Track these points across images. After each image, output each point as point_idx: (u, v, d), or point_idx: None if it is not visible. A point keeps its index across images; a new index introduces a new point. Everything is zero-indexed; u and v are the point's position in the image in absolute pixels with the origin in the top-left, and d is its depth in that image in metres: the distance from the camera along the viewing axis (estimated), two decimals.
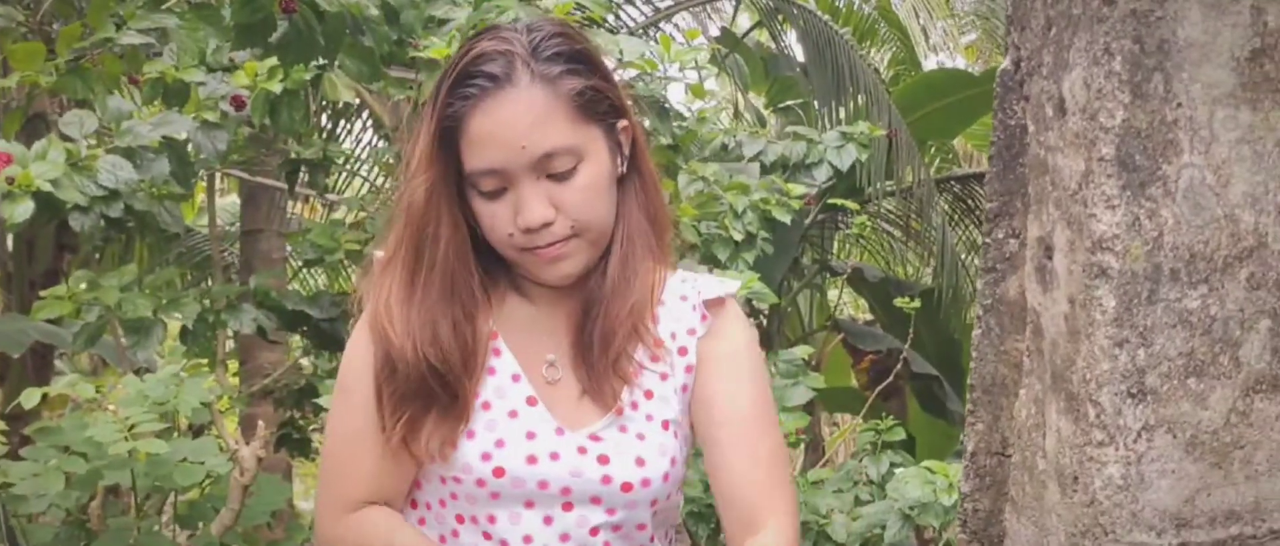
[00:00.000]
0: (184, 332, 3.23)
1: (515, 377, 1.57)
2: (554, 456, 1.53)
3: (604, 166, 1.50)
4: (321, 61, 2.89)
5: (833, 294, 8.37)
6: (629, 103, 1.57)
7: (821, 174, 3.88)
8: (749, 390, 1.58)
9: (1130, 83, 1.16)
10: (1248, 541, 1.24)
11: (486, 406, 1.55)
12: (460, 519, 1.57)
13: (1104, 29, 1.17)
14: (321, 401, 2.80)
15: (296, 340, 4.48)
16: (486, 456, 1.52)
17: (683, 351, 1.59)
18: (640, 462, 1.53)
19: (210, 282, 4.34)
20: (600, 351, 1.55)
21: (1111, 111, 1.16)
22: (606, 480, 1.52)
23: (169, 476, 2.86)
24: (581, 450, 1.53)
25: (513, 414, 1.55)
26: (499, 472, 1.52)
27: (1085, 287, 1.20)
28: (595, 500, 1.53)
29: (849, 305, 10.36)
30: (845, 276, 6.70)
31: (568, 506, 1.53)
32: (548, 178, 1.47)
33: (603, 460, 1.53)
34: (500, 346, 1.58)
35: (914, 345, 5.83)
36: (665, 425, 1.57)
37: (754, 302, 3.40)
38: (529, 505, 1.53)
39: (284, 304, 3.41)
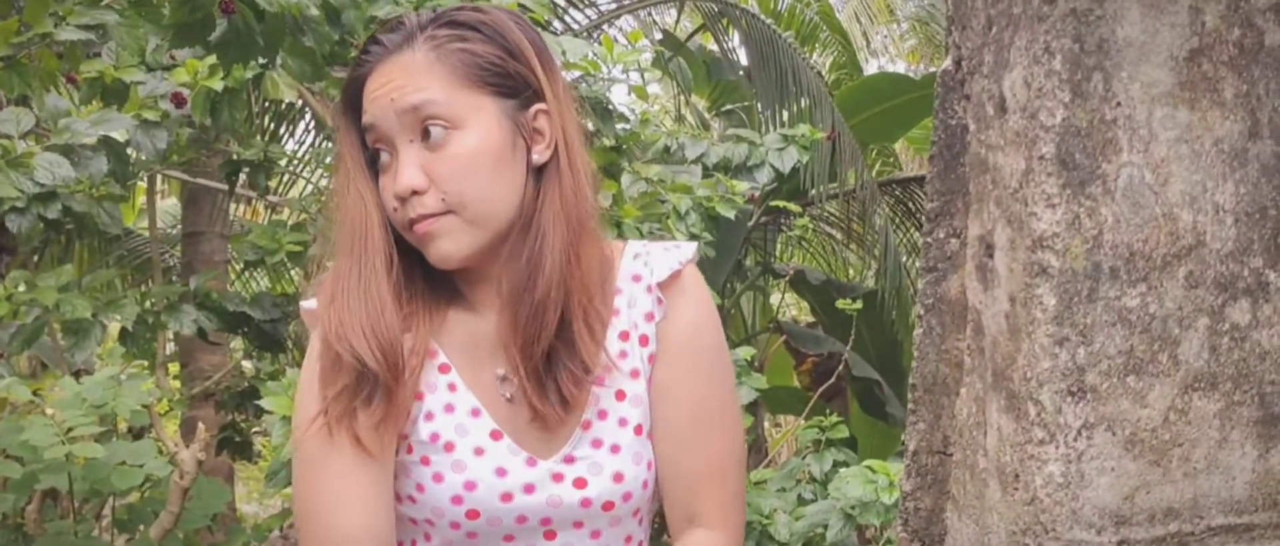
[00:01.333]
0: (123, 334, 3.19)
1: (474, 412, 1.47)
2: (528, 489, 1.45)
3: (488, 140, 1.41)
4: (262, 61, 2.87)
5: (776, 296, 8.41)
6: (557, 92, 1.48)
7: (763, 176, 3.89)
8: (706, 380, 1.50)
9: (1070, 81, 1.17)
10: (1186, 539, 1.26)
11: (450, 447, 1.46)
12: None
13: (1044, 28, 1.18)
14: (263, 403, 2.77)
15: (239, 343, 4.43)
16: (458, 499, 1.44)
17: (645, 341, 1.50)
18: (618, 478, 1.47)
19: (150, 284, 4.30)
20: (532, 357, 1.44)
21: (1052, 110, 1.18)
22: (586, 503, 1.46)
23: (107, 480, 2.83)
24: (557, 477, 1.46)
25: (479, 451, 1.46)
26: (473, 514, 1.44)
27: (1026, 286, 1.21)
28: (577, 524, 1.47)
29: (792, 307, 10.41)
30: (788, 279, 6.72)
31: (550, 535, 1.47)
32: (423, 145, 1.39)
33: (579, 483, 1.46)
34: (456, 381, 1.49)
35: (855, 347, 5.86)
36: (639, 430, 1.49)
37: None
38: (508, 539, 1.46)
39: (225, 305, 3.38)
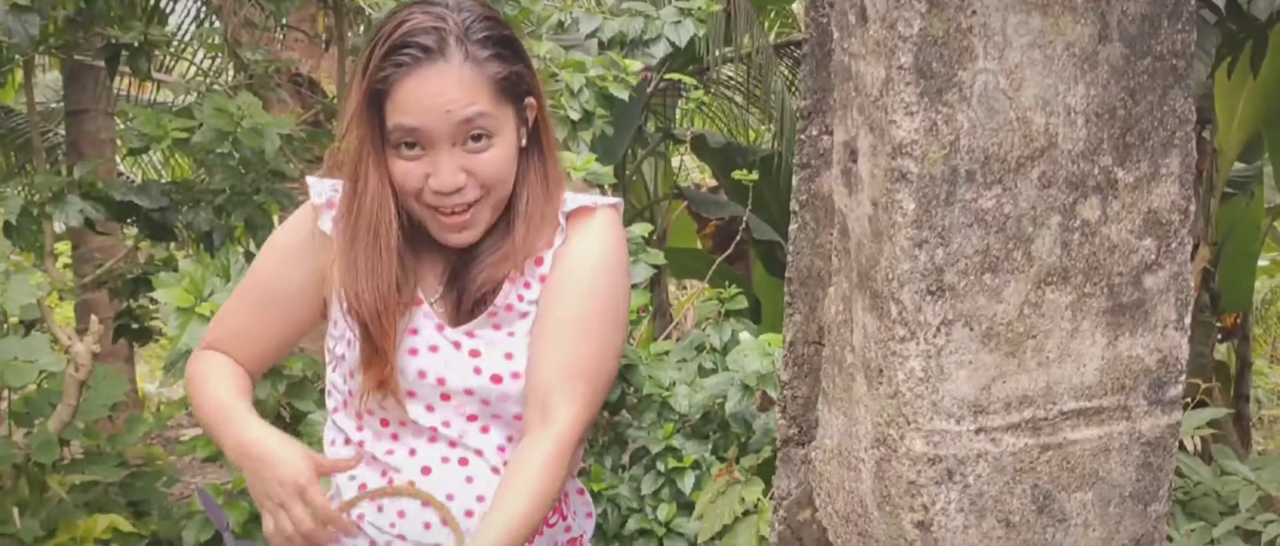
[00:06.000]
0: (7, 227, 3.14)
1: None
2: (433, 349, 1.67)
3: (512, 142, 1.65)
4: None
5: (677, 161, 8.41)
6: (537, 82, 1.71)
7: (660, 50, 3.90)
8: (578, 293, 1.68)
9: None
10: (1040, 423, 1.32)
11: None
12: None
13: None
14: (157, 295, 2.75)
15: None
16: None
17: (539, 262, 1.70)
18: (509, 356, 1.67)
19: (33, 167, 4.18)
20: (476, 289, 1.68)
21: (909, 20, 1.20)
22: (478, 371, 1.67)
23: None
24: (456, 345, 1.67)
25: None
26: None
27: (887, 191, 1.25)
28: (468, 392, 1.67)
29: (695, 172, 10.44)
30: (688, 143, 6.73)
31: (445, 396, 1.67)
32: (463, 147, 1.61)
33: (474, 354, 1.67)
34: None
35: (757, 210, 5.90)
36: (529, 332, 1.70)
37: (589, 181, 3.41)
38: (411, 395, 1.68)
39: (112, 194, 3.32)
